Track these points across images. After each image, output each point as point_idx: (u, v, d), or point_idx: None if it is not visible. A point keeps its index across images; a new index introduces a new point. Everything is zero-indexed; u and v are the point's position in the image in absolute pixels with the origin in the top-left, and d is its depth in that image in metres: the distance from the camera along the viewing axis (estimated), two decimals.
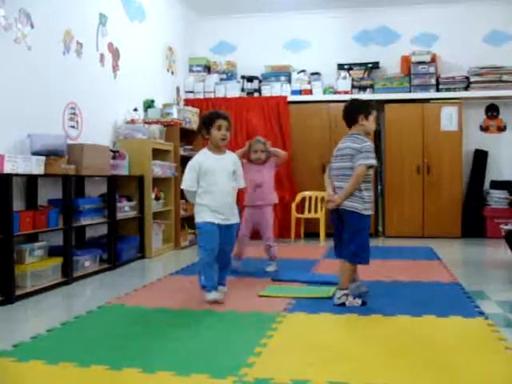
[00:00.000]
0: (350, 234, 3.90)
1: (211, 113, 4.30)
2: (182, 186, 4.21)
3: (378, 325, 3.50)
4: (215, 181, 4.10)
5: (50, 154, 4.74)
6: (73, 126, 5.56)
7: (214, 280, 4.11)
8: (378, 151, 8.42)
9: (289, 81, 8.47)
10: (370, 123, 4.07)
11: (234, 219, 4.21)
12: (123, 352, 2.95)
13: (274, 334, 3.24)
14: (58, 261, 4.77)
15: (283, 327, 3.42)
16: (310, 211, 8.07)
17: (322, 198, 7.98)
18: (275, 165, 5.41)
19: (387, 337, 3.22)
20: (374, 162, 3.90)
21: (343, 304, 3.89)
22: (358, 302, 3.92)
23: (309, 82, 8.42)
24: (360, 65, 8.36)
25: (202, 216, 4.11)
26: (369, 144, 3.96)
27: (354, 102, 4.25)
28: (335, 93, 8.33)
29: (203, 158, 4.19)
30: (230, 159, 4.24)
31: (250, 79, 8.58)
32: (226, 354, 2.92)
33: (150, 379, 2.56)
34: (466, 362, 2.79)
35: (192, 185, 4.13)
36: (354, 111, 4.10)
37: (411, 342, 3.10)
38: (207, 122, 4.17)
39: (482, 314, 3.67)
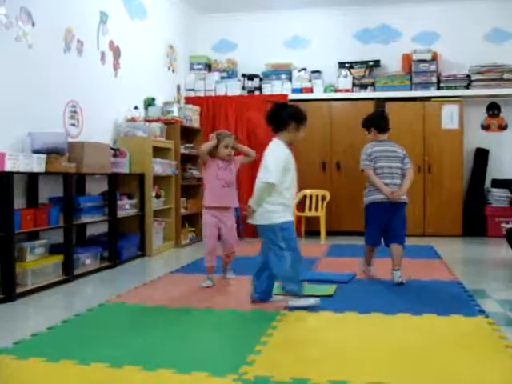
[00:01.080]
0: (402, 222, 4.75)
1: (304, 112, 3.95)
2: (271, 180, 3.74)
3: (378, 323, 3.50)
4: (294, 177, 3.91)
5: (51, 152, 4.74)
6: (73, 124, 5.56)
7: None
8: None
9: (289, 79, 8.46)
10: None
11: None
12: (124, 350, 2.96)
13: (274, 333, 3.25)
14: (58, 259, 4.78)
15: (283, 325, 3.42)
16: (310, 209, 8.06)
17: (323, 197, 7.99)
18: (240, 164, 4.90)
19: (388, 335, 3.23)
20: None
21: (402, 283, 4.52)
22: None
23: (309, 81, 8.41)
24: (361, 63, 8.35)
25: (284, 215, 3.80)
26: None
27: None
28: (336, 91, 8.32)
29: (288, 152, 3.87)
30: None
31: (251, 77, 8.57)
32: (226, 351, 2.93)
33: (150, 377, 2.56)
34: (466, 360, 2.79)
35: (279, 179, 3.78)
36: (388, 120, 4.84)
37: (412, 341, 3.10)
38: (302, 119, 3.91)
39: (482, 312, 3.67)
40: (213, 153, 4.61)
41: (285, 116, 3.88)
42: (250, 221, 3.91)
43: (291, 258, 3.77)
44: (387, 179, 4.66)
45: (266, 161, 3.84)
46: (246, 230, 7.73)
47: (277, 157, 3.80)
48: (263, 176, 3.81)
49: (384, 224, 4.71)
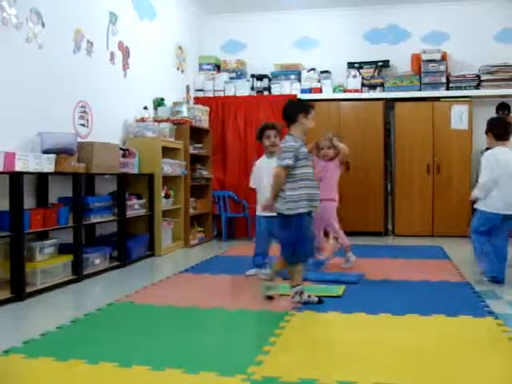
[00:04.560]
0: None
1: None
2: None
3: (386, 324, 3.50)
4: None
5: (61, 152, 4.77)
6: (83, 125, 5.58)
7: None
8: (388, 149, 8.41)
9: (299, 79, 8.45)
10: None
11: None
12: (132, 349, 2.97)
13: (283, 333, 3.25)
14: (68, 258, 4.80)
15: (292, 326, 3.42)
16: None
17: None
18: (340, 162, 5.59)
19: (396, 336, 3.22)
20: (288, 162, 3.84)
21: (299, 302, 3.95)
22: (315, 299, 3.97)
23: (319, 81, 8.39)
24: (370, 63, 8.33)
25: None
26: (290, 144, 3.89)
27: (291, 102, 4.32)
28: (345, 91, 8.31)
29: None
30: None
31: (260, 78, 8.57)
32: (234, 352, 2.93)
33: (158, 377, 2.57)
34: (475, 361, 2.78)
35: None
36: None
37: (420, 342, 3.10)
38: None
39: (491, 313, 3.65)
40: None
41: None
42: None
43: None
44: None
45: None
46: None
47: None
48: None
49: None
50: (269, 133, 5.02)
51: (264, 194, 4.86)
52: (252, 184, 5.23)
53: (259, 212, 5.00)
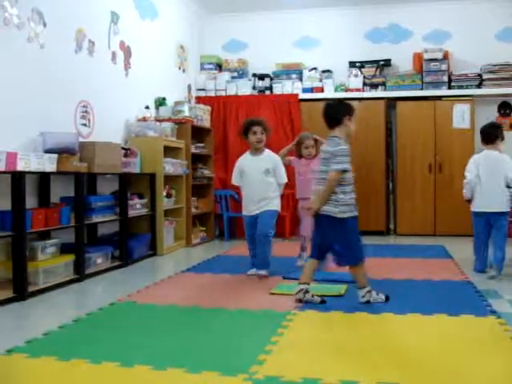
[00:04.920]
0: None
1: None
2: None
3: (389, 323, 3.50)
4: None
5: (63, 152, 4.77)
6: (85, 124, 5.58)
7: None
8: (390, 148, 8.41)
9: (300, 78, 8.45)
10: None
11: None
12: (134, 349, 2.97)
13: (285, 332, 3.25)
14: (70, 258, 4.80)
15: (294, 325, 3.42)
16: None
17: None
18: None
19: (398, 335, 3.22)
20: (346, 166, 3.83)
21: (368, 302, 3.89)
22: (382, 297, 3.95)
23: (320, 80, 8.39)
24: (372, 62, 8.32)
25: None
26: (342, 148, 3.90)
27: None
28: (347, 90, 8.30)
29: None
30: None
31: (262, 77, 8.57)
32: (236, 351, 2.93)
33: (160, 376, 2.57)
34: (477, 360, 2.77)
35: None
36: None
37: (422, 341, 3.09)
38: None
39: (494, 312, 3.65)
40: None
41: None
42: None
43: None
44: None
45: None
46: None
47: None
48: None
49: None
50: (256, 129, 4.99)
51: (250, 192, 5.00)
52: (235, 181, 5.17)
53: (245, 212, 5.07)
